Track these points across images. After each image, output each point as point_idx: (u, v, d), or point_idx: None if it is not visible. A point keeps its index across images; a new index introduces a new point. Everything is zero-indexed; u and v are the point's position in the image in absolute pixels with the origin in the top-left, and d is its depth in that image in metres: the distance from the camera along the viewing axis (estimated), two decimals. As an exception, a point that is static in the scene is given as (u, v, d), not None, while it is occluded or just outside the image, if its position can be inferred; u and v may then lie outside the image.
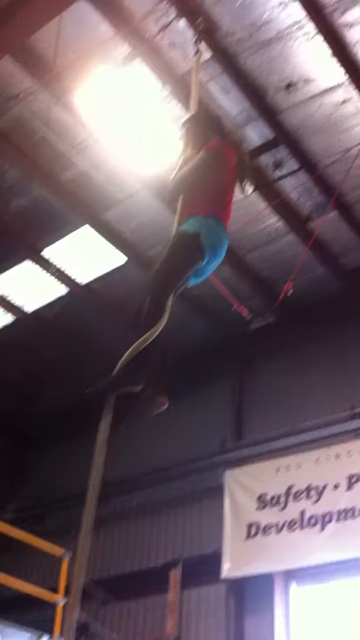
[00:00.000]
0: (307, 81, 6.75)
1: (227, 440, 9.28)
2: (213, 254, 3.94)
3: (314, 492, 8.23)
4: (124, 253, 8.53)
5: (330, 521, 8.01)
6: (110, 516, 9.16)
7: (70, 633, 3.07)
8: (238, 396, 9.61)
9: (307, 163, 7.51)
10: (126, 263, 8.66)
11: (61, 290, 9.14)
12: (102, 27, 6.25)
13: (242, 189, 4.36)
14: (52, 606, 7.24)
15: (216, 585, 8.39)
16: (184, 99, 6.63)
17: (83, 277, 8.98)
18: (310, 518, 8.13)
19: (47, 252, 8.62)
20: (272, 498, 8.45)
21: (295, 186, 7.77)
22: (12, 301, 9.38)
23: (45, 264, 8.70)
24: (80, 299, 9.18)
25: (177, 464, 9.39)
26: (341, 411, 8.36)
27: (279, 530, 8.25)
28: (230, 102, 6.99)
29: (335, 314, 8.99)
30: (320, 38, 6.31)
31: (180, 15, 6.13)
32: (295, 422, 8.63)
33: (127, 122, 6.88)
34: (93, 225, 8.20)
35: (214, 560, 8.38)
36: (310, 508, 8.17)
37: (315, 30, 6.26)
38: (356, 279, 8.83)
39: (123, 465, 8.97)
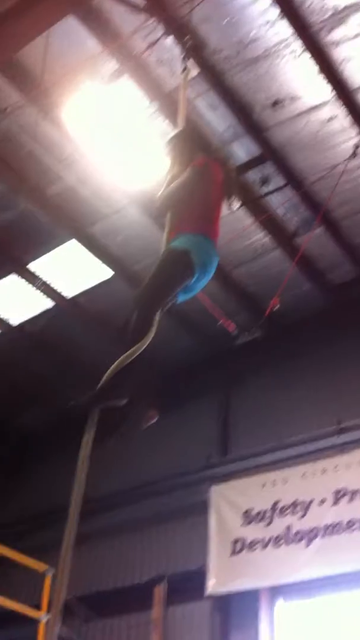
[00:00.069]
0: (293, 99, 6.80)
1: (212, 456, 9.25)
2: (202, 271, 3.94)
3: (300, 507, 8.21)
4: (110, 267, 8.54)
5: (316, 536, 7.99)
6: (94, 532, 9.07)
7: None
8: (224, 411, 9.59)
9: (294, 179, 7.56)
10: (112, 277, 8.66)
11: (47, 304, 9.11)
12: (90, 43, 6.29)
13: (229, 205, 4.39)
14: (36, 623, 7.18)
15: (201, 602, 8.33)
16: (172, 115, 6.65)
17: (69, 291, 8.96)
18: (297, 533, 8.11)
19: (33, 266, 8.60)
20: (258, 513, 8.42)
21: (281, 202, 7.82)
22: (-2, 314, 9.36)
23: (31, 278, 8.68)
24: (66, 313, 9.16)
25: (162, 479, 9.35)
26: (328, 426, 8.37)
27: (265, 546, 8.22)
28: (217, 119, 7.03)
29: (322, 329, 9.02)
30: (306, 56, 6.37)
31: (168, 32, 6.16)
32: (281, 437, 8.63)
33: (115, 137, 6.90)
34: (79, 240, 8.20)
35: (199, 576, 8.33)
36: (296, 523, 8.16)
37: (302, 49, 6.31)
38: (342, 295, 8.88)
39: (107, 480, 8.94)
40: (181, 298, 4.06)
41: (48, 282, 8.78)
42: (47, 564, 7.39)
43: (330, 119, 6.96)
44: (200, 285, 4.07)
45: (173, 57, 6.34)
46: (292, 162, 7.41)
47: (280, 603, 8.22)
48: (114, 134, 6.87)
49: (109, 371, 3.51)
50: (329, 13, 6.10)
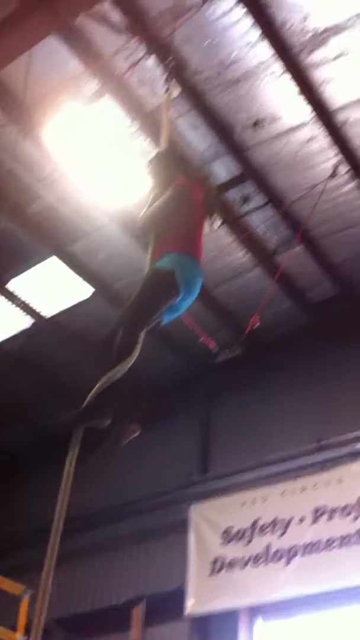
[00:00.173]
0: (274, 119, 6.86)
1: (193, 474, 9.22)
2: (187, 290, 3.95)
3: (280, 525, 8.21)
4: (90, 285, 8.53)
5: (295, 555, 7.98)
6: (72, 552, 8.97)
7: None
8: (205, 429, 9.58)
9: (274, 199, 7.61)
10: (92, 295, 8.65)
11: (26, 322, 9.08)
12: (72, 63, 6.31)
13: (211, 224, 4.42)
14: (11, 645, 7.07)
15: (180, 622, 8.26)
16: (153, 135, 6.71)
17: (49, 309, 8.94)
18: (276, 552, 8.10)
19: (13, 284, 8.57)
20: (238, 532, 8.40)
21: (262, 221, 7.87)
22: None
23: (10, 296, 8.65)
24: (46, 332, 9.14)
25: (141, 498, 9.30)
26: (307, 444, 8.38)
27: (244, 565, 8.19)
28: (198, 139, 7.07)
29: (301, 347, 9.05)
30: (287, 77, 6.43)
31: (149, 52, 6.21)
32: (261, 455, 8.62)
33: (96, 156, 6.90)
34: (60, 257, 8.20)
35: (178, 596, 8.28)
36: (276, 542, 8.14)
37: (282, 70, 6.37)
38: (322, 313, 8.94)
39: (86, 499, 8.85)
40: (166, 318, 4.06)
41: (27, 301, 8.75)
42: (23, 585, 7.29)
43: (310, 140, 7.02)
44: (186, 304, 4.07)
45: (154, 78, 6.39)
46: (272, 181, 7.46)
47: (259, 623, 8.19)
48: (95, 153, 6.87)
49: (93, 390, 3.51)
50: (309, 35, 6.15)
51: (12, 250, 8.05)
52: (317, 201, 7.43)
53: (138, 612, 8.50)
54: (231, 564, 8.26)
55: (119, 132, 6.82)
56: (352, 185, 7.44)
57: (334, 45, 6.23)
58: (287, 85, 6.50)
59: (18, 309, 8.79)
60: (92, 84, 6.42)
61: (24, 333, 9.22)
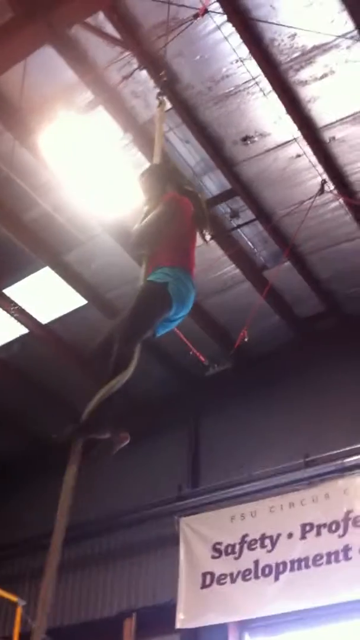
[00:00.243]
0: (262, 135, 7.02)
1: (182, 488, 9.23)
2: (181, 303, 4.00)
3: (268, 541, 8.22)
4: (83, 295, 8.61)
5: (284, 571, 7.98)
6: (62, 564, 8.87)
7: None
8: (194, 442, 9.61)
9: (263, 214, 7.75)
10: (86, 305, 8.72)
11: (20, 330, 9.12)
12: (67, 73, 6.47)
13: (203, 237, 4.48)
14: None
15: (170, 636, 8.25)
16: (145, 147, 6.86)
17: (42, 317, 9.00)
18: (265, 568, 8.10)
19: (7, 292, 8.63)
20: (227, 547, 8.40)
21: (250, 236, 8.00)
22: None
23: (5, 304, 8.69)
24: (38, 341, 9.19)
25: (131, 511, 9.29)
26: (295, 459, 8.41)
27: (234, 580, 8.19)
28: (189, 153, 7.24)
29: (290, 362, 9.13)
30: (275, 94, 6.57)
31: (142, 65, 6.38)
32: (250, 470, 8.65)
33: (90, 166, 7.02)
34: (53, 267, 8.28)
35: (169, 610, 8.27)
36: (265, 557, 8.15)
37: (270, 87, 6.52)
38: (309, 329, 9.03)
39: (76, 511, 8.75)
40: (160, 331, 4.13)
41: (22, 309, 8.80)
42: (17, 594, 7.23)
43: (298, 156, 7.17)
44: (179, 317, 4.14)
45: (147, 90, 6.57)
46: (261, 196, 7.60)
47: (247, 639, 8.13)
48: (89, 163, 7.00)
49: (91, 403, 3.56)
50: (297, 53, 6.33)
51: (6, 259, 8.13)
52: (305, 217, 7.56)
53: (129, 625, 8.46)
54: (221, 579, 8.26)
55: (113, 143, 6.96)
56: (337, 203, 7.58)
57: (320, 64, 6.41)
58: (275, 102, 6.64)
59: (12, 318, 8.84)
60: (86, 95, 6.59)
61: (17, 341, 9.28)
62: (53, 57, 6.32)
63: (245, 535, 8.35)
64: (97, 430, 3.63)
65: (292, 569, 7.93)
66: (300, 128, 6.86)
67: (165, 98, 5.36)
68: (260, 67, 6.38)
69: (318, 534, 7.98)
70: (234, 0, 5.95)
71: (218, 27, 6.13)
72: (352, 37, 6.13)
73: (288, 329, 9.02)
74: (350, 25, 6.08)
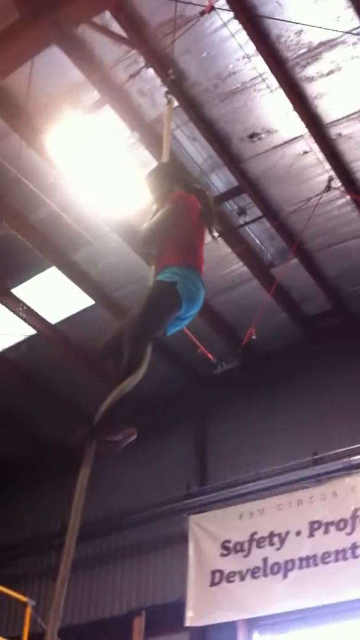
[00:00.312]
0: (269, 132, 7.01)
1: (191, 486, 9.24)
2: (191, 302, 3.98)
3: (277, 539, 8.23)
4: (90, 294, 8.61)
5: (292, 569, 7.99)
6: (72, 564, 8.93)
7: None
8: (202, 440, 9.62)
9: (270, 211, 7.73)
10: (93, 305, 8.72)
11: (27, 332, 9.12)
12: (73, 73, 6.47)
13: (211, 234, 4.47)
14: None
15: (180, 634, 8.28)
16: (152, 145, 6.85)
17: (50, 318, 9.01)
18: (273, 565, 8.11)
19: (15, 292, 8.65)
20: (236, 545, 8.42)
21: (258, 233, 7.99)
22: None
23: (13, 305, 8.70)
24: (46, 342, 9.19)
25: (140, 509, 9.31)
26: (303, 457, 8.42)
27: (243, 578, 8.20)
28: (195, 150, 7.23)
29: (298, 359, 9.13)
30: (281, 91, 6.56)
31: (149, 64, 6.37)
32: (258, 467, 8.66)
33: (97, 165, 7.02)
34: (60, 267, 8.28)
35: (178, 608, 8.29)
36: (273, 555, 8.15)
37: (277, 84, 6.51)
38: (317, 326, 9.02)
39: (85, 511, 8.80)
40: (171, 330, 4.10)
41: (30, 309, 8.80)
42: (25, 594, 7.24)
43: (305, 153, 7.17)
44: (190, 316, 4.10)
45: (154, 88, 6.57)
46: (268, 193, 7.59)
47: (256, 636, 8.14)
48: (95, 163, 6.99)
49: (104, 404, 3.55)
50: (304, 49, 6.32)
51: (14, 258, 8.13)
52: (312, 214, 7.54)
53: (139, 623, 8.48)
54: (230, 576, 8.27)
55: (120, 142, 6.96)
56: (344, 200, 7.56)
57: (327, 60, 6.40)
58: (282, 98, 6.64)
59: (19, 318, 8.85)
60: (92, 94, 6.58)
61: (25, 342, 9.28)
62: (59, 56, 6.32)
63: (254, 533, 8.36)
64: (110, 432, 3.63)
65: (300, 567, 7.94)
66: (307, 125, 6.85)
67: (172, 96, 5.35)
68: (267, 64, 6.37)
69: (326, 531, 7.98)
70: (240, -3, 5.95)
71: (224, 24, 6.13)
72: (358, 34, 6.12)
73: (295, 326, 9.01)
74: (356, 22, 6.06)
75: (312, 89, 6.63)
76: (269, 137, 7.06)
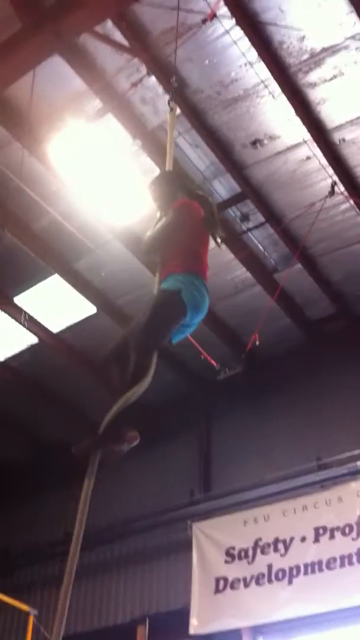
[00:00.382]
0: (272, 138, 6.99)
1: (194, 492, 9.23)
2: (196, 309, 3.97)
3: (282, 545, 8.20)
4: (93, 302, 8.60)
5: (297, 575, 7.96)
6: (75, 571, 8.93)
7: None
8: (205, 447, 9.60)
9: (273, 217, 7.71)
10: (96, 312, 8.72)
11: (30, 340, 9.12)
12: (75, 82, 6.45)
13: (215, 241, 4.46)
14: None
15: (184, 641, 8.23)
16: (154, 153, 6.86)
17: (52, 326, 9.00)
18: (278, 572, 8.08)
19: (17, 301, 8.65)
20: (240, 551, 8.39)
21: (261, 239, 7.97)
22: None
23: (15, 313, 8.69)
24: (49, 349, 9.18)
25: (143, 516, 9.29)
26: (307, 462, 8.40)
27: (247, 585, 8.17)
28: (198, 157, 7.21)
29: (301, 364, 9.10)
30: (284, 97, 6.54)
31: (151, 72, 6.35)
32: (262, 473, 8.63)
33: (99, 174, 7.01)
34: (62, 275, 8.27)
35: (182, 615, 8.25)
36: (278, 561, 8.12)
37: (280, 90, 6.49)
38: (321, 331, 9.00)
39: (88, 518, 8.81)
40: (176, 337, 4.09)
41: (32, 317, 8.79)
42: (27, 603, 7.24)
43: (308, 159, 7.14)
44: (195, 323, 4.10)
45: (156, 96, 6.56)
46: (271, 199, 7.57)
47: (261, 642, 8.13)
48: (98, 171, 6.99)
49: (109, 414, 3.54)
50: (306, 55, 6.30)
51: (17, 266, 8.13)
52: (315, 220, 7.52)
53: (142, 631, 8.45)
54: (234, 583, 8.24)
55: (122, 150, 6.95)
56: (348, 204, 7.55)
57: (330, 65, 6.38)
58: (285, 105, 6.62)
59: (22, 326, 8.83)
60: (95, 102, 6.57)
61: (28, 350, 9.27)
62: (61, 66, 6.31)
63: (259, 540, 8.33)
64: (115, 441, 3.60)
65: (305, 573, 7.91)
66: (310, 130, 6.83)
67: (175, 104, 5.33)
68: (269, 70, 6.35)
69: (331, 537, 7.95)
70: (242, 4, 5.91)
71: (227, 32, 6.10)
72: (360, 39, 6.10)
73: (299, 331, 8.99)
74: (358, 27, 6.04)
75: (315, 95, 6.61)
76: (271, 143, 7.04)
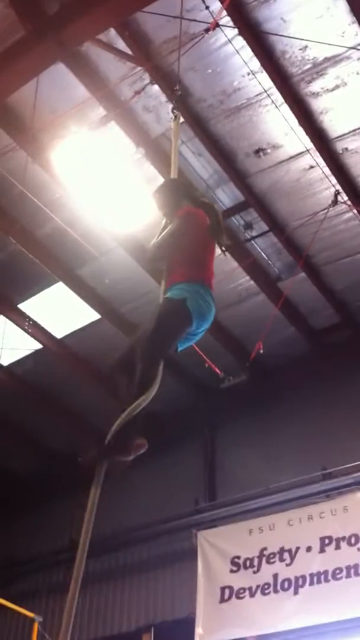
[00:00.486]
0: (275, 147, 7.03)
1: (199, 501, 9.20)
2: (201, 318, 3.95)
3: (287, 554, 8.16)
4: (96, 309, 8.63)
5: (303, 585, 7.91)
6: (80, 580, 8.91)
7: None
8: (210, 455, 9.58)
9: (277, 225, 7.74)
10: (99, 319, 8.74)
11: (33, 346, 9.14)
12: (79, 90, 6.51)
13: (221, 249, 4.46)
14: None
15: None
16: (158, 161, 6.90)
17: (56, 333, 9.03)
18: (284, 582, 8.03)
19: (21, 308, 8.68)
20: (246, 561, 8.35)
21: (264, 247, 7.99)
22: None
23: (19, 319, 8.72)
24: (53, 356, 9.20)
25: (148, 525, 9.27)
26: (313, 472, 8.37)
27: (253, 594, 8.13)
28: (201, 166, 7.25)
29: (305, 373, 9.10)
30: (287, 106, 6.57)
31: (154, 80, 6.41)
32: (267, 483, 8.61)
33: (102, 181, 7.06)
34: (66, 282, 8.31)
35: (187, 624, 8.23)
36: (284, 571, 8.08)
37: (282, 99, 6.53)
38: (324, 340, 8.99)
39: (94, 527, 8.79)
40: (181, 346, 4.08)
41: (36, 324, 8.83)
42: (32, 610, 7.22)
43: (311, 168, 7.18)
44: (201, 332, 4.08)
45: (159, 104, 6.61)
46: (274, 208, 7.61)
47: (266, 654, 8.06)
48: (101, 178, 7.04)
49: (116, 424, 3.51)
50: (308, 65, 6.35)
51: (21, 273, 8.17)
52: (318, 228, 7.55)
53: (147, 640, 8.41)
54: (239, 593, 8.20)
55: (125, 158, 7.00)
56: (351, 213, 7.56)
57: (332, 75, 6.42)
58: (287, 114, 6.65)
59: (26, 333, 8.87)
60: (98, 110, 6.62)
61: (32, 356, 9.29)
62: (65, 73, 6.37)
63: (264, 549, 8.29)
64: (121, 452, 3.57)
65: (311, 583, 7.86)
66: (313, 139, 6.86)
67: (179, 112, 5.36)
68: (272, 80, 6.39)
69: (337, 547, 7.91)
70: (244, 13, 5.96)
71: (229, 41, 6.15)
72: (363, 49, 6.13)
73: (303, 340, 8.99)
74: (361, 37, 6.08)
75: (317, 104, 6.65)
76: (274, 152, 7.08)
